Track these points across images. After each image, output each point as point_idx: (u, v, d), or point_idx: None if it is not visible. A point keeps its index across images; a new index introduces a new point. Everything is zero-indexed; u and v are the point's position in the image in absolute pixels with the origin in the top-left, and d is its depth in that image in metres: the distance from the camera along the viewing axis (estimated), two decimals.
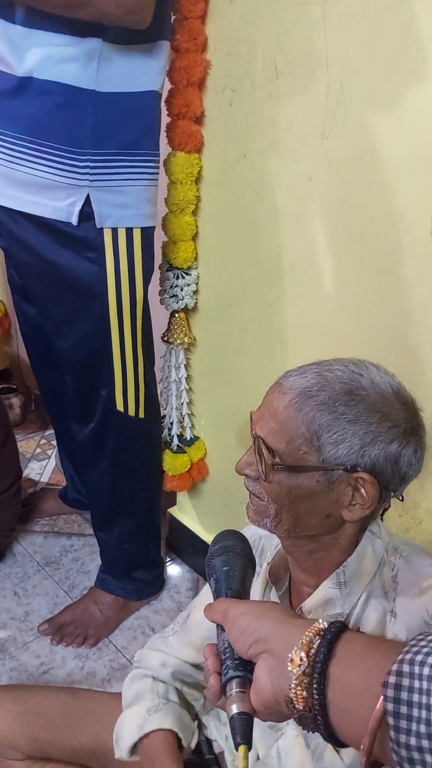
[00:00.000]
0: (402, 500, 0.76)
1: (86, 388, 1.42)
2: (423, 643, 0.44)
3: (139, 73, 1.15)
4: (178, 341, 1.52)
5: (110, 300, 1.28)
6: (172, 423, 1.64)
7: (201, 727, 1.06)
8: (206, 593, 1.01)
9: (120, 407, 1.41)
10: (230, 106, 1.27)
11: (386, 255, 1.08)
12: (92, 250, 1.24)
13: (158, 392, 1.58)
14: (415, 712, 0.42)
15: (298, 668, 0.49)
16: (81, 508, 2.02)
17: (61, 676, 1.54)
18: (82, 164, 1.16)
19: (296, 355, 1.32)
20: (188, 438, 1.67)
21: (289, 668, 0.49)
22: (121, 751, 0.94)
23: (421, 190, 1.00)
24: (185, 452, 1.64)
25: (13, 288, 1.56)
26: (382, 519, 0.82)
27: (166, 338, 1.54)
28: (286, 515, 0.75)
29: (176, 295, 1.46)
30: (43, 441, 2.49)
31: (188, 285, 1.46)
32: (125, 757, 0.93)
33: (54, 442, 2.43)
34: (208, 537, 1.80)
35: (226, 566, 0.69)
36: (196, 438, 1.68)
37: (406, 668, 0.43)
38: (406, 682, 0.43)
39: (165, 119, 1.30)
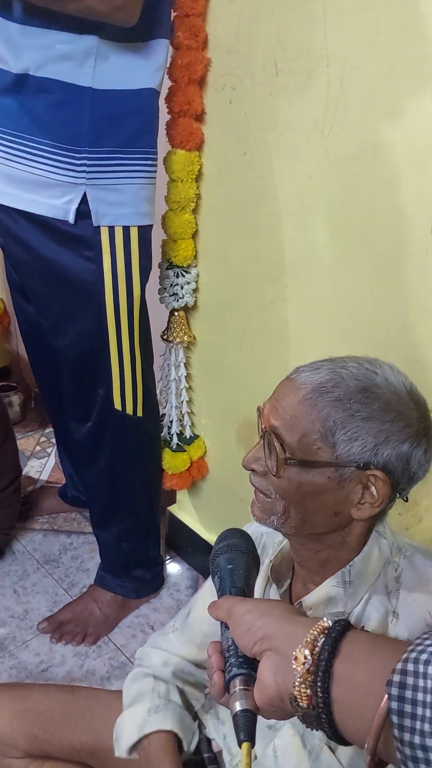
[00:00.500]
0: (407, 501, 0.76)
1: (84, 386, 1.42)
2: (428, 642, 0.44)
3: (136, 70, 1.15)
4: (178, 340, 1.52)
5: (107, 298, 1.28)
6: (171, 421, 1.64)
7: (200, 726, 1.06)
8: (207, 589, 1.01)
9: (118, 406, 1.41)
10: (230, 104, 1.26)
11: (386, 253, 1.08)
12: (89, 249, 1.23)
13: (158, 391, 1.58)
14: (420, 710, 0.42)
15: (302, 666, 0.49)
16: (80, 506, 2.02)
17: (60, 674, 1.54)
18: (78, 162, 1.16)
19: (296, 353, 1.32)
20: (188, 436, 1.67)
21: (294, 666, 0.49)
22: (121, 750, 0.94)
23: (421, 187, 1.00)
24: (185, 451, 1.64)
25: (11, 286, 1.55)
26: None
27: (165, 337, 1.54)
28: (294, 512, 0.74)
29: (176, 294, 1.46)
30: (43, 439, 2.49)
31: (188, 283, 1.46)
32: (124, 756, 0.94)
33: (53, 440, 2.43)
34: (207, 535, 1.81)
35: (231, 564, 0.69)
36: (196, 436, 1.68)
37: (410, 667, 0.43)
38: (410, 680, 0.43)
39: (165, 117, 1.30)
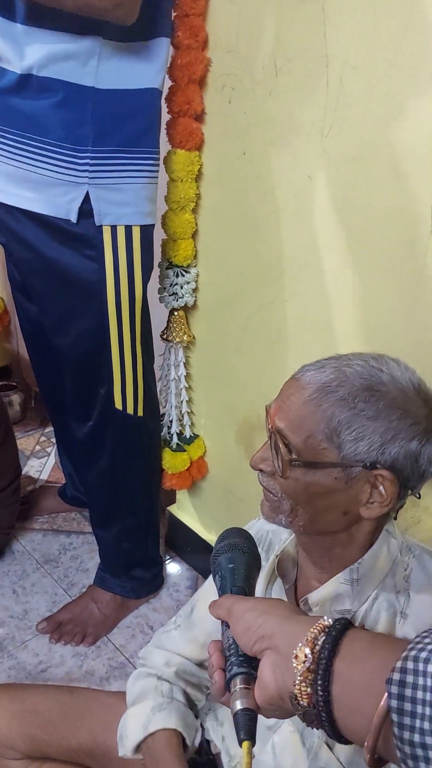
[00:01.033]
0: (419, 498, 0.75)
1: (85, 386, 1.42)
2: (428, 640, 0.44)
3: (138, 70, 1.15)
4: (178, 339, 1.52)
5: (109, 298, 1.28)
6: (171, 421, 1.64)
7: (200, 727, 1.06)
8: (208, 587, 1.01)
9: (118, 405, 1.41)
10: (230, 104, 1.26)
11: (386, 252, 1.08)
12: (91, 248, 1.23)
13: (157, 390, 1.58)
14: (419, 708, 0.42)
15: (302, 665, 0.49)
16: (80, 505, 2.02)
17: (59, 675, 1.54)
18: (81, 161, 1.16)
19: (296, 352, 1.32)
20: (188, 436, 1.67)
21: (294, 664, 0.49)
22: (126, 749, 0.93)
23: (421, 187, 1.00)
24: (185, 450, 1.64)
25: (13, 284, 1.55)
26: (396, 518, 0.81)
27: (165, 336, 1.54)
28: (302, 512, 0.74)
29: (176, 293, 1.46)
30: (43, 438, 2.49)
31: (188, 283, 1.46)
32: (129, 755, 0.93)
33: (53, 440, 2.43)
34: (207, 535, 1.81)
35: (232, 564, 0.69)
36: (196, 436, 1.68)
37: (410, 665, 0.43)
38: (410, 679, 0.43)
39: (165, 117, 1.30)
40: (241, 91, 1.23)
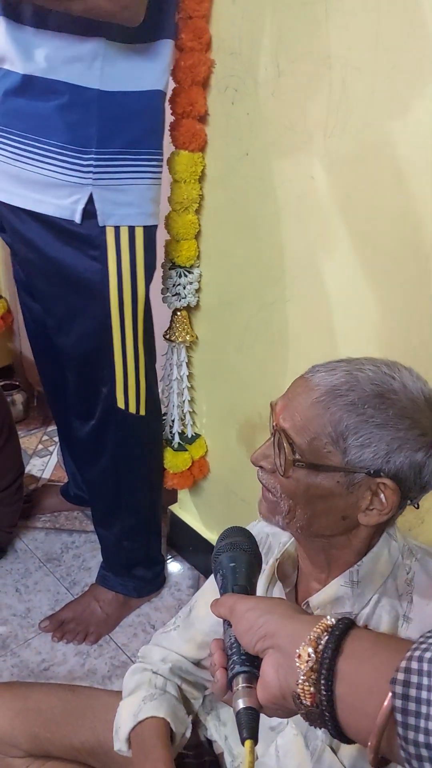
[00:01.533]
0: (417, 508, 0.74)
1: (87, 385, 1.42)
2: None
3: (143, 72, 1.15)
4: (180, 339, 1.53)
5: (112, 298, 1.29)
6: (173, 421, 1.65)
7: (201, 728, 1.06)
8: (208, 587, 1.02)
9: (121, 404, 1.42)
10: (232, 105, 1.27)
11: (390, 253, 1.08)
12: (95, 248, 1.24)
13: (159, 390, 1.58)
14: (424, 709, 0.42)
15: (305, 664, 0.49)
16: (82, 504, 2.02)
17: (62, 673, 1.54)
18: (85, 163, 1.16)
19: (297, 353, 1.32)
20: (189, 435, 1.67)
21: (297, 664, 0.50)
22: (120, 742, 0.93)
23: (424, 188, 1.00)
24: (186, 450, 1.64)
25: (18, 284, 1.56)
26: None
27: (168, 336, 1.54)
28: (301, 513, 0.74)
29: (179, 294, 1.46)
30: (45, 437, 2.49)
31: (190, 283, 1.46)
32: (124, 749, 0.93)
33: (56, 439, 2.43)
34: (209, 534, 1.81)
35: (233, 562, 0.69)
36: (198, 436, 1.69)
37: (414, 665, 0.43)
38: (414, 679, 0.43)
39: (169, 118, 1.30)
40: (243, 92, 1.24)
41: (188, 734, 0.97)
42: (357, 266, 1.15)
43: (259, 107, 1.22)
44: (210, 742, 1.06)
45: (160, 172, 1.27)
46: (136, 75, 1.15)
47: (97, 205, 1.19)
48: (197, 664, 1.01)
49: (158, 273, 1.43)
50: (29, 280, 1.41)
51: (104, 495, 1.59)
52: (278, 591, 0.86)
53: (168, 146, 1.31)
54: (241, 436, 1.58)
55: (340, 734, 0.48)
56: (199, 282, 1.48)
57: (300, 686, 0.49)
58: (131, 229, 1.24)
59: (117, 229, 1.23)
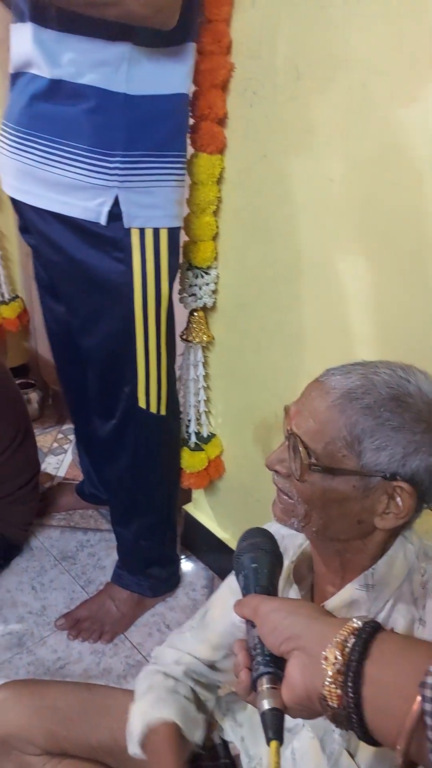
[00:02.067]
0: None
1: (110, 384, 1.43)
2: None
3: (168, 75, 1.16)
4: (197, 339, 1.53)
5: (136, 299, 1.29)
6: (189, 420, 1.66)
7: (217, 729, 1.06)
8: (224, 589, 1.01)
9: (142, 404, 1.43)
10: (251, 107, 1.27)
11: (408, 255, 1.08)
12: (120, 250, 1.25)
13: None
14: None
15: (332, 666, 0.49)
16: (97, 503, 2.03)
17: (77, 672, 1.55)
18: (111, 165, 1.17)
19: (313, 355, 1.32)
20: (205, 435, 1.68)
21: (323, 666, 0.50)
22: (134, 746, 0.94)
23: None
24: (203, 450, 1.65)
25: (40, 285, 1.57)
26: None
27: (185, 337, 1.55)
28: (316, 517, 0.74)
29: (195, 294, 1.47)
30: (60, 435, 2.51)
31: (207, 284, 1.47)
32: (138, 753, 0.93)
33: (70, 437, 2.45)
34: (223, 534, 1.81)
35: (255, 563, 0.70)
36: (213, 435, 1.69)
37: None
38: None
39: (189, 120, 1.31)
40: (262, 95, 1.24)
41: (202, 733, 0.97)
42: (375, 267, 1.15)
43: (278, 110, 1.22)
44: (226, 744, 1.06)
45: (184, 174, 1.27)
46: (161, 78, 1.15)
47: (122, 207, 1.20)
48: (211, 666, 1.01)
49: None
50: (53, 282, 1.42)
51: (122, 494, 1.60)
52: (293, 594, 0.86)
53: (187, 148, 1.32)
54: (257, 437, 1.59)
55: (367, 737, 0.49)
56: (215, 283, 1.49)
57: (326, 688, 0.50)
58: (156, 231, 1.25)
59: (142, 231, 1.24)
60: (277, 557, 0.73)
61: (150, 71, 1.14)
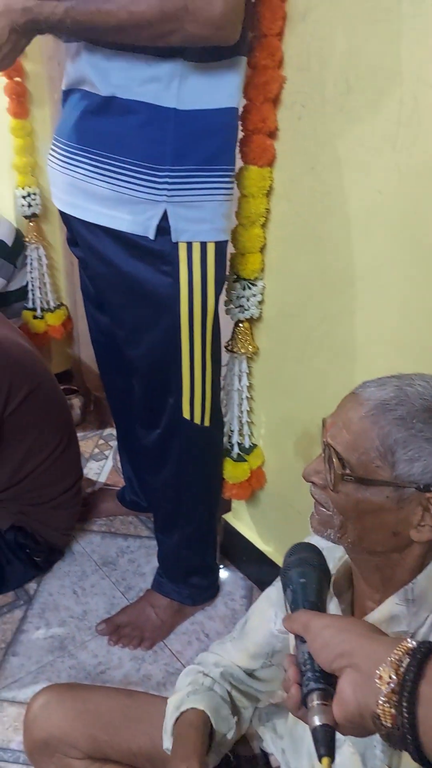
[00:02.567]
0: None
1: (154, 395, 1.44)
2: None
3: (218, 89, 1.16)
4: (243, 350, 1.54)
5: (182, 311, 1.30)
6: (232, 431, 1.66)
7: (257, 739, 1.06)
8: (262, 601, 1.02)
9: (186, 415, 1.44)
10: (299, 120, 1.28)
11: None
12: (167, 264, 1.26)
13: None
14: None
15: (386, 686, 0.49)
16: (138, 510, 2.04)
17: (117, 677, 1.56)
18: (161, 180, 1.18)
19: (362, 366, 1.32)
20: (247, 446, 1.68)
21: (377, 684, 0.50)
22: (167, 739, 0.95)
23: None
24: (245, 461, 1.65)
25: (86, 296, 1.59)
26: None
27: (230, 348, 1.56)
28: (352, 528, 0.74)
29: (242, 306, 1.48)
30: (101, 441, 2.54)
31: (254, 296, 1.47)
32: (170, 747, 0.95)
33: (111, 443, 2.47)
34: (263, 545, 1.81)
35: (303, 578, 0.70)
36: (255, 446, 1.69)
37: None
38: None
39: (239, 134, 1.31)
40: (311, 108, 1.24)
41: (233, 734, 0.98)
42: (424, 280, 1.14)
43: (327, 122, 1.22)
44: (266, 755, 1.06)
45: (232, 188, 1.28)
46: (211, 93, 1.16)
47: (170, 221, 1.21)
48: (250, 674, 1.02)
49: None
50: (100, 294, 1.44)
51: (165, 503, 1.61)
52: (334, 607, 0.86)
53: (237, 161, 1.33)
54: (299, 448, 1.58)
55: (422, 758, 0.48)
56: (262, 294, 1.49)
57: (380, 707, 0.49)
58: (203, 245, 1.26)
59: (189, 245, 1.25)
60: (325, 573, 0.73)
61: (200, 86, 1.15)
